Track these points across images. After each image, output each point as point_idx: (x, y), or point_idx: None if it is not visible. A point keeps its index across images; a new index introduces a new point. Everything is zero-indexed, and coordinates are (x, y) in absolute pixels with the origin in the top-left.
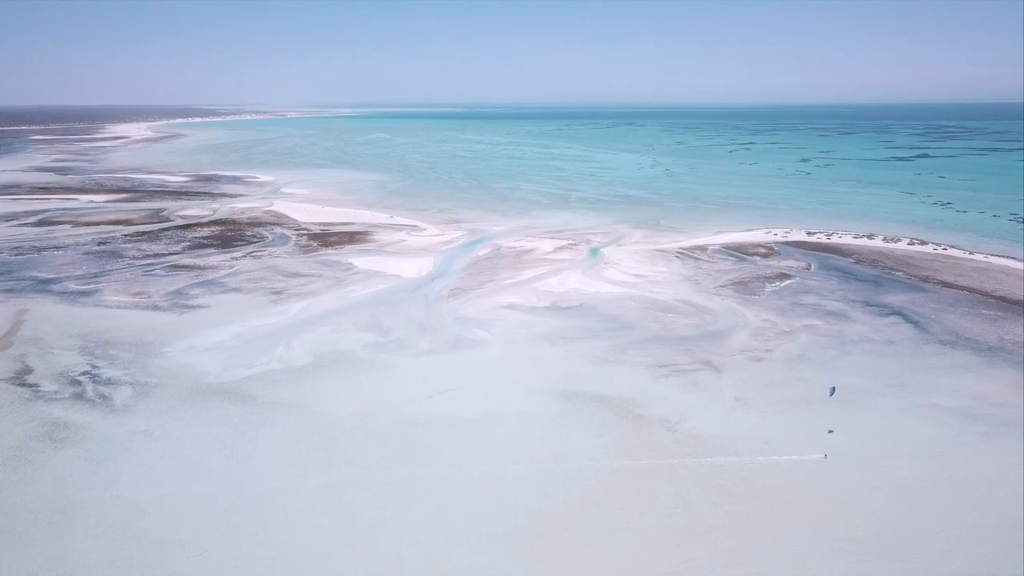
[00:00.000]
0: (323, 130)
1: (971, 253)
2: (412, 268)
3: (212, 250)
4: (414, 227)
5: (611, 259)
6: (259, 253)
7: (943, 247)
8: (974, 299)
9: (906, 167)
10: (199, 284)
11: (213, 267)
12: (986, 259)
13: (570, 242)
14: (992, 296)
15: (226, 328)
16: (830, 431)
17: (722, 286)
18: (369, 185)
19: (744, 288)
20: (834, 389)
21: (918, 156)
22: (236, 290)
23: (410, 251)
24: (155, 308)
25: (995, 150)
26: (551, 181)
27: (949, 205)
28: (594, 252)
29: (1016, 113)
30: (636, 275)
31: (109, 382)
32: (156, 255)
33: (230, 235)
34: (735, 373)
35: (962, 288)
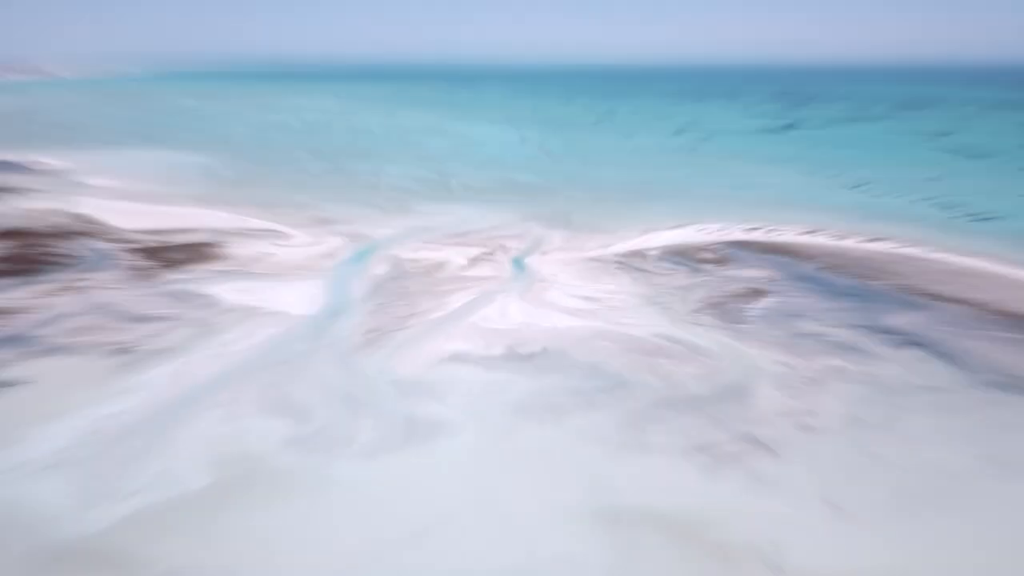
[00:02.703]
0: (112, 95)
1: (928, 252)
2: (296, 299)
3: (10, 279)
4: (275, 233)
5: (544, 275)
6: (80, 283)
7: (896, 244)
8: (975, 315)
9: (786, 140)
10: (3, 342)
11: (18, 309)
12: (947, 258)
13: (483, 250)
14: (989, 310)
15: (64, 423)
16: None
17: (696, 311)
18: (194, 170)
19: (723, 313)
20: None
21: (787, 126)
22: (62, 349)
23: (285, 271)
24: None
25: (855, 118)
26: (418, 161)
27: (861, 188)
28: (518, 265)
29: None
30: (586, 297)
31: None
32: None
33: (30, 254)
34: (795, 455)
35: (954, 301)
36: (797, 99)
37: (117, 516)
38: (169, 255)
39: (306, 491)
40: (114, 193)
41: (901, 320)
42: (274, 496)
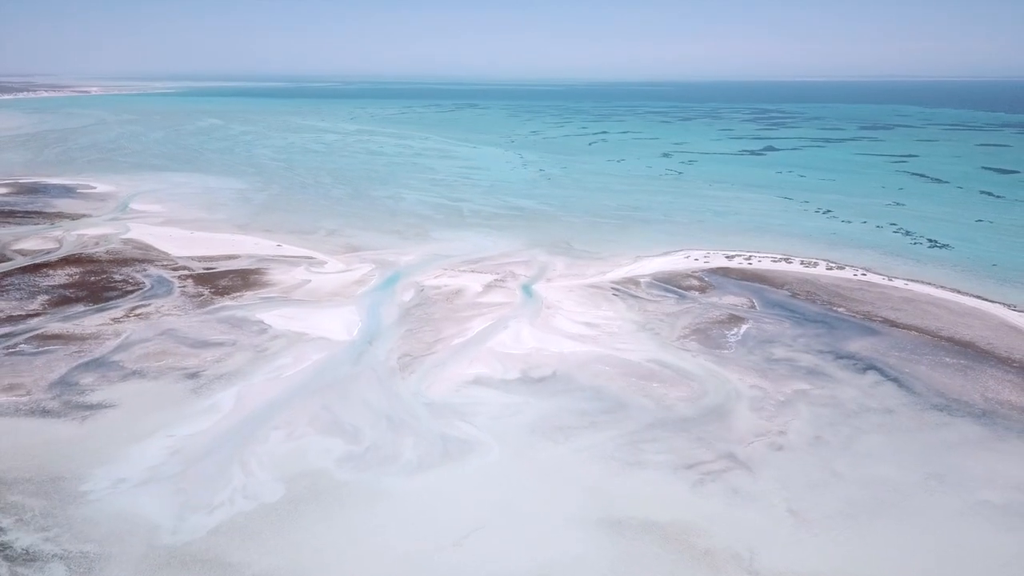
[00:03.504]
0: (141, 113)
1: (889, 279)
2: (337, 325)
3: (81, 306)
4: (311, 259)
5: (550, 301)
6: (143, 309)
7: (860, 271)
8: (928, 342)
9: (764, 163)
10: (86, 367)
11: (93, 335)
12: (906, 285)
13: (495, 277)
14: (939, 337)
15: (151, 442)
16: None
17: (683, 336)
18: (230, 196)
19: (706, 339)
20: None
21: (766, 148)
22: (137, 374)
23: (322, 297)
24: (44, 412)
25: (827, 140)
26: (431, 187)
27: (830, 213)
28: (527, 291)
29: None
30: (588, 323)
31: (28, 557)
32: (10, 318)
33: (95, 280)
34: (767, 471)
35: (909, 328)
36: (772, 120)
37: (209, 526)
38: (219, 281)
39: (362, 503)
40: (159, 219)
41: (861, 346)
42: (336, 508)
